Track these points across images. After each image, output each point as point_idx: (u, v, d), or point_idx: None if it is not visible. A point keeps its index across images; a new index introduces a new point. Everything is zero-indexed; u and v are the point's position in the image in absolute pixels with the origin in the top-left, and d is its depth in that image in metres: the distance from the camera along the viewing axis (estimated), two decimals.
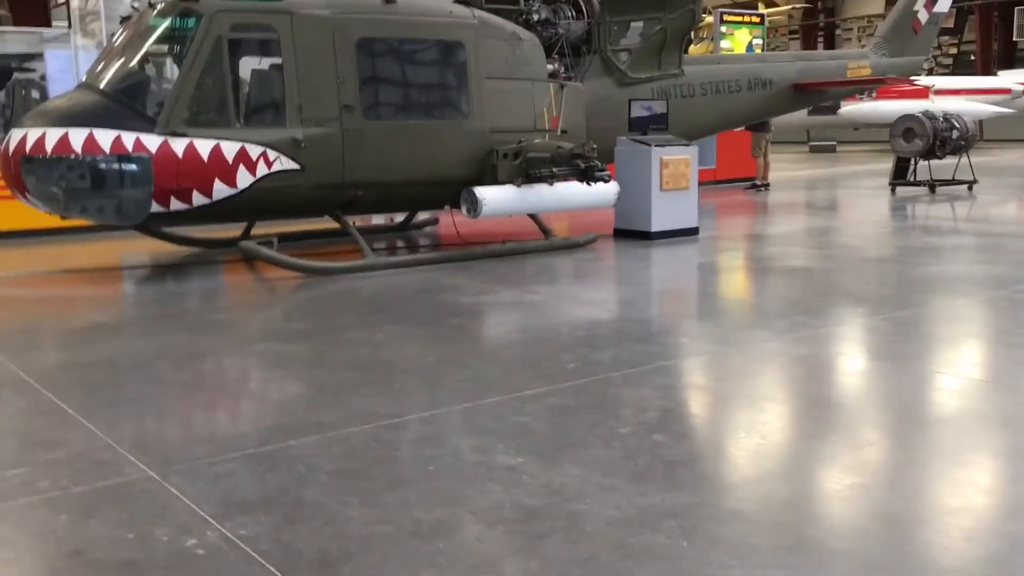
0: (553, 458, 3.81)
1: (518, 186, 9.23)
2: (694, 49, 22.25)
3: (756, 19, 20.76)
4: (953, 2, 18.65)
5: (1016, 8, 34.04)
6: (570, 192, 9.50)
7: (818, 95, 15.15)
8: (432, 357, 5.63)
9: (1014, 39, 34.48)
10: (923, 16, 16.22)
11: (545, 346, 5.89)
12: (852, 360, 5.71)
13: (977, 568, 2.84)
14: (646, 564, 2.88)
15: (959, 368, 5.31)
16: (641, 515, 3.23)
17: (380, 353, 5.76)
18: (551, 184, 9.32)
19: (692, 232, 10.54)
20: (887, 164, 16.72)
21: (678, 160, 10.25)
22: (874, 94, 25.31)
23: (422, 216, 11.73)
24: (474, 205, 8.98)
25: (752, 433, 4.19)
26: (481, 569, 2.86)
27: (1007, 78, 28.85)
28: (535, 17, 10.73)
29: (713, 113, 12.46)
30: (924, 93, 25.88)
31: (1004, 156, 23.55)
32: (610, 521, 3.19)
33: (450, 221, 10.21)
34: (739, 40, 20.01)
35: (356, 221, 9.76)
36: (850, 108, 27.50)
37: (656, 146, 10.20)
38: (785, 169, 20.56)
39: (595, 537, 3.07)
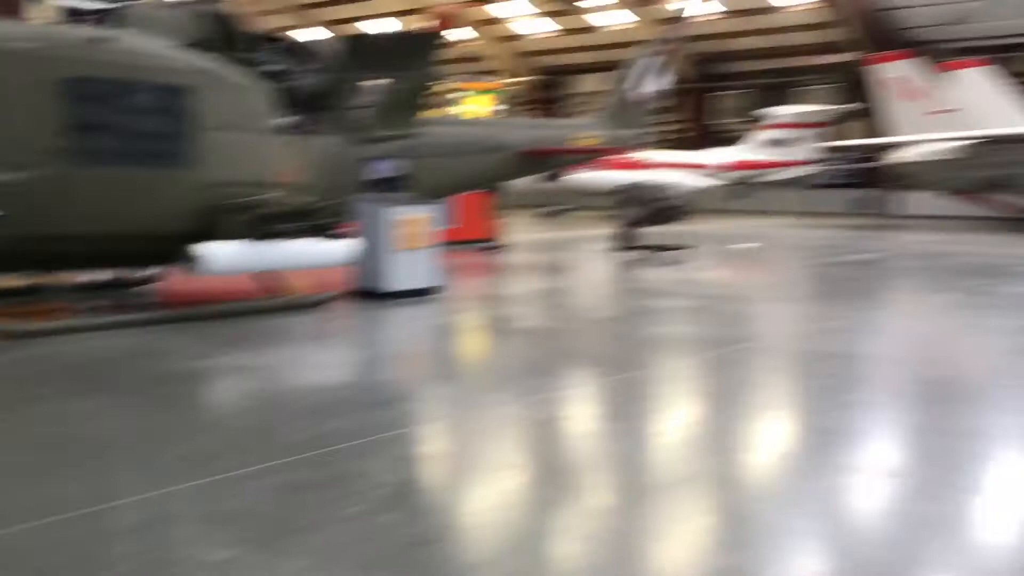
0: (275, 547, 3.40)
1: (248, 242, 8.69)
2: (434, 113, 22.59)
3: (495, 86, 21.47)
4: (672, 84, 20.27)
5: (711, 93, 37.90)
6: (304, 250, 9.09)
7: (547, 161, 15.75)
8: (141, 432, 5.00)
9: (714, 121, 38.26)
10: (641, 94, 17.45)
11: (272, 415, 5.44)
12: (587, 423, 5.73)
13: None
14: None
15: (686, 430, 5.47)
16: None
17: (80, 429, 5.05)
18: (283, 241, 8.87)
19: (431, 292, 10.43)
20: (611, 230, 17.67)
21: (416, 220, 10.15)
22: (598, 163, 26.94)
23: (145, 272, 10.76)
24: (196, 262, 8.34)
25: (492, 506, 4.00)
26: None
27: (712, 155, 31.75)
28: (270, 67, 10.28)
29: (451, 174, 12.53)
30: (641, 165, 27.87)
31: (711, 225, 25.76)
32: None
33: (175, 278, 9.42)
34: (478, 107, 20.56)
35: (66, 277, 8.75)
36: (576, 176, 29.01)
37: (393, 205, 10.04)
38: (520, 232, 21.22)
39: None
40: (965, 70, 27.25)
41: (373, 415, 5.44)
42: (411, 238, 10.09)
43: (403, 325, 9.12)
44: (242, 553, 3.35)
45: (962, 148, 23.65)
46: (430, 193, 11.78)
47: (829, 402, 5.84)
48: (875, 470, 4.58)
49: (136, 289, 10.76)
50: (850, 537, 3.70)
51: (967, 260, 16.21)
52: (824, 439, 5.06)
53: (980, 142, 23.14)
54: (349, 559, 3.34)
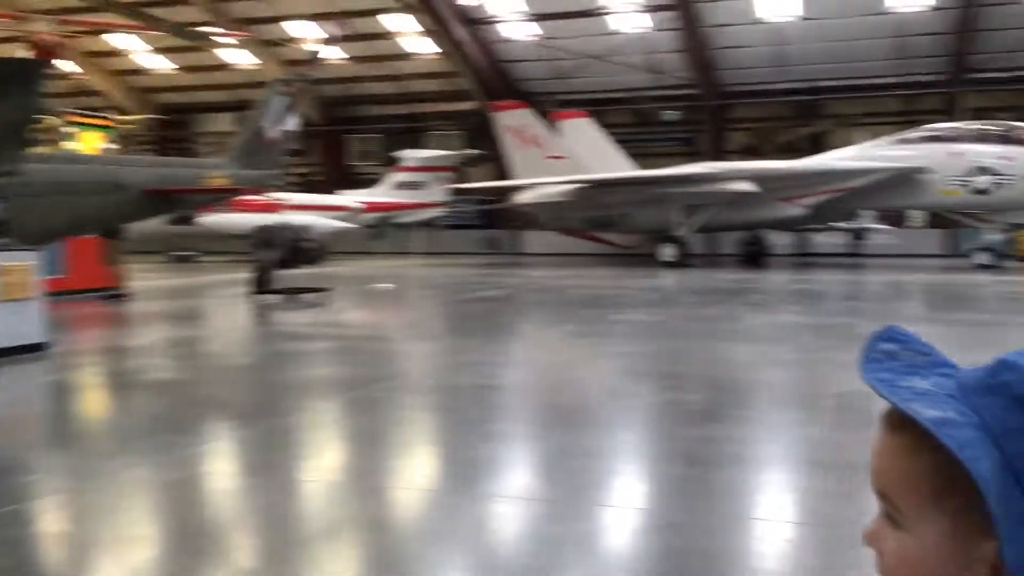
0: None
1: None
2: (43, 149, 20.42)
3: (108, 123, 19.87)
4: (300, 127, 20.11)
5: (344, 136, 38.42)
6: None
7: (174, 202, 14.90)
8: None
9: (348, 163, 38.74)
10: (272, 135, 17.15)
11: None
12: (226, 479, 5.37)
13: None
14: None
15: (331, 474, 5.33)
16: None
17: None
18: None
19: (38, 348, 9.27)
20: (247, 273, 17.08)
21: (16, 268, 9.01)
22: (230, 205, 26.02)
23: None
24: None
25: None
26: None
27: (347, 197, 32.03)
28: None
29: (61, 216, 11.37)
30: (276, 207, 27.36)
31: (348, 266, 25.90)
32: None
33: None
34: (89, 144, 18.86)
35: None
36: (207, 219, 27.77)
37: None
38: (147, 279, 19.77)
39: None
40: (570, 120, 30.19)
41: None
42: (11, 288, 8.94)
43: (5, 388, 8.02)
44: None
45: (572, 191, 26.04)
46: (39, 237, 10.59)
47: (471, 434, 6.02)
48: (516, 495, 4.76)
49: None
50: (493, 561, 3.79)
51: (581, 293, 17.80)
52: (468, 470, 5.19)
53: (586, 185, 25.66)
54: None
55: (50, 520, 4.52)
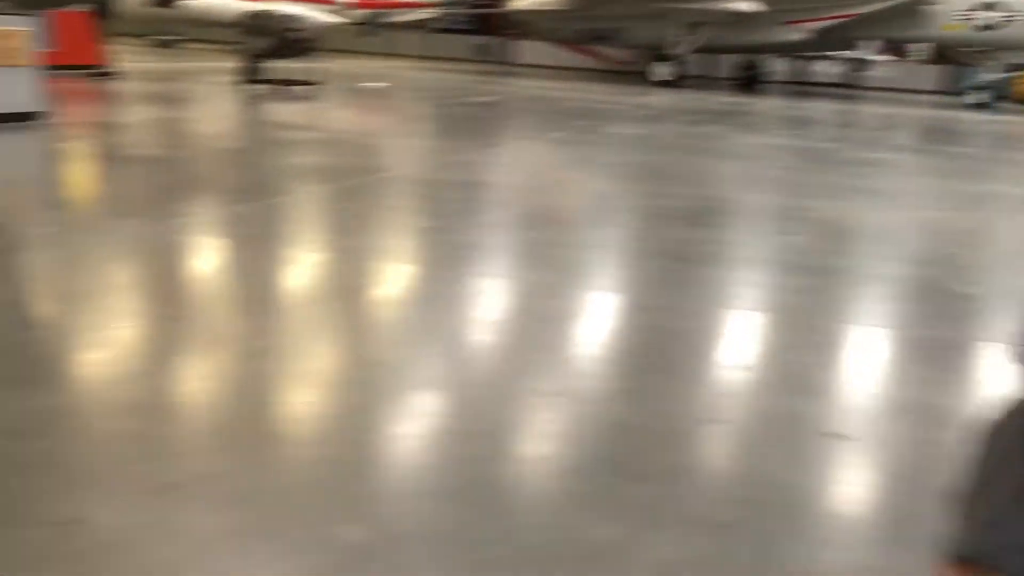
0: None
1: None
2: None
3: None
4: None
5: None
6: None
7: None
8: None
9: None
10: None
11: None
12: (219, 247, 5.60)
13: None
14: None
15: (337, 251, 5.58)
16: None
17: None
18: None
19: (34, 117, 9.27)
20: (230, 63, 16.73)
21: (11, 32, 8.88)
22: None
23: None
24: None
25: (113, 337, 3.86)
26: None
27: None
28: None
29: None
30: None
31: (337, 63, 25.36)
32: None
33: None
34: None
35: None
36: (193, 2, 26.82)
37: None
38: (132, 60, 19.34)
39: None
40: None
41: None
42: (5, 54, 8.84)
43: (10, 152, 8.10)
44: None
45: (570, 0, 25.24)
46: (21, 3, 10.32)
47: (460, 223, 6.24)
48: (500, 275, 5.04)
49: None
50: (479, 328, 4.10)
51: (572, 105, 17.68)
52: (456, 251, 5.45)
53: None
54: None
55: (43, 271, 4.75)
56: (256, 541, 2.25)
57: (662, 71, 24.40)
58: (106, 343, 3.57)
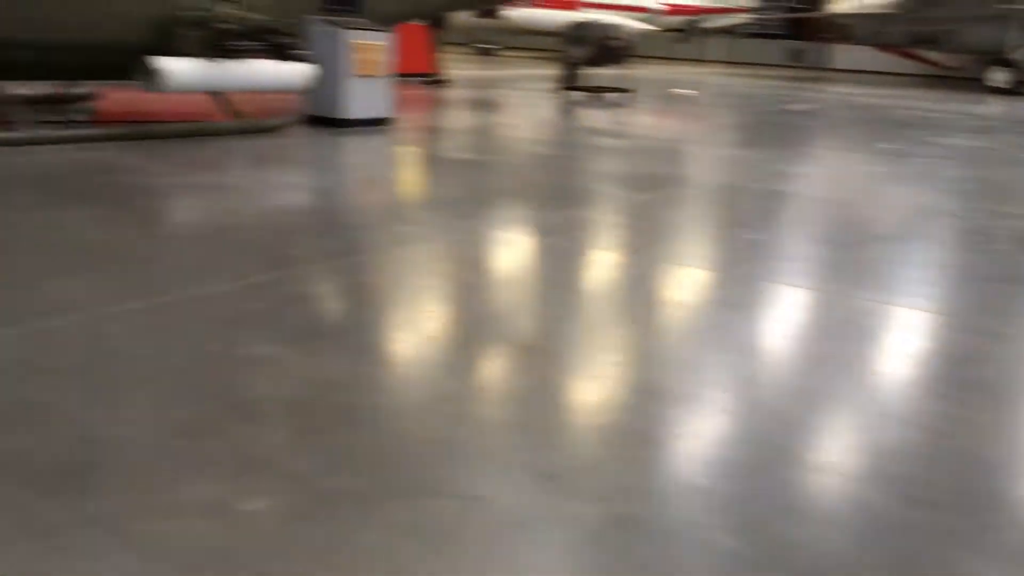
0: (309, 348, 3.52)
1: (205, 60, 8.35)
2: None
3: None
4: None
5: None
6: (262, 71, 8.79)
7: None
8: (130, 241, 4.98)
9: None
10: None
11: (259, 231, 5.45)
12: (533, 247, 5.88)
13: None
14: None
15: (622, 251, 5.68)
16: None
17: (79, 236, 5.02)
18: (240, 60, 8.55)
19: (385, 123, 10.25)
20: (546, 70, 17.42)
21: (373, 45, 9.86)
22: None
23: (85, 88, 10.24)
24: (155, 77, 8.01)
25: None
26: None
27: None
28: None
29: (404, 1, 12.10)
30: (577, 4, 27.27)
31: (647, 70, 25.65)
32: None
33: (119, 95, 9.05)
34: None
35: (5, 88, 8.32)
36: (514, 13, 28.28)
37: (351, 29, 9.70)
38: (457, 69, 20.77)
39: None
40: None
41: (354, 236, 5.49)
42: (368, 64, 9.83)
43: (367, 153, 9.02)
44: (286, 350, 3.46)
45: (897, 2, 23.78)
46: (386, 17, 11.38)
47: (779, 241, 6.10)
48: (789, 283, 4.89)
49: (77, 105, 10.30)
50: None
51: (900, 113, 16.64)
52: (754, 267, 5.35)
53: None
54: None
55: (428, 253, 5.23)
56: (638, 537, 2.38)
57: (1000, 77, 22.32)
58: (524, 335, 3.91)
